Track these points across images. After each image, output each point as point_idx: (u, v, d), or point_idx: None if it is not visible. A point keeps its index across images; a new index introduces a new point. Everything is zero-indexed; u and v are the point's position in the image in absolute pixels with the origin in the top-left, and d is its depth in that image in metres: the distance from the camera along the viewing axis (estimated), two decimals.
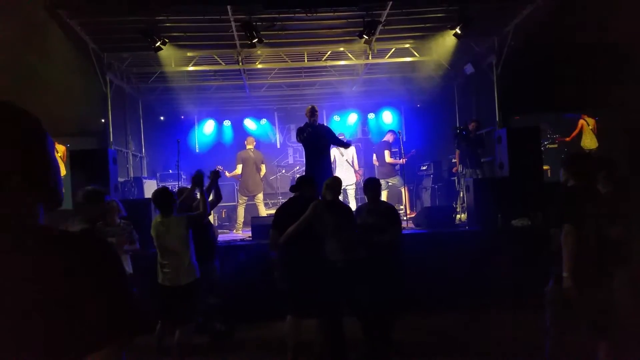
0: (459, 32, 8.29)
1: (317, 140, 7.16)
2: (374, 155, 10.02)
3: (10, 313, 0.89)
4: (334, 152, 9.39)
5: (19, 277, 0.91)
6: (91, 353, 0.93)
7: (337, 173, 8.80)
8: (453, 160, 9.98)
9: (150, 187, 10.36)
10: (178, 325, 4.50)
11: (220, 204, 8.18)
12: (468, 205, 7.70)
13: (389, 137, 9.90)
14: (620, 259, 3.74)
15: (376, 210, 4.98)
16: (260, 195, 9.52)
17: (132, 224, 5.33)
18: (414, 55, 9.95)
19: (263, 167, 9.72)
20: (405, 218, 9.08)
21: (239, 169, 9.35)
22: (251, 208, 9.66)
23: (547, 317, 3.60)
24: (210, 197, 5.38)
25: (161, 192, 4.66)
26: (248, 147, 9.73)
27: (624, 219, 3.74)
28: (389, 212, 5.04)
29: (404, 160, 9.28)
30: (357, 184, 9.76)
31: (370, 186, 5.09)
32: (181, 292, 4.43)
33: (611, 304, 3.39)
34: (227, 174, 9.63)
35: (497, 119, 9.55)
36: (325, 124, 7.90)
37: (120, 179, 9.08)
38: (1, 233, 0.96)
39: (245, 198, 9.44)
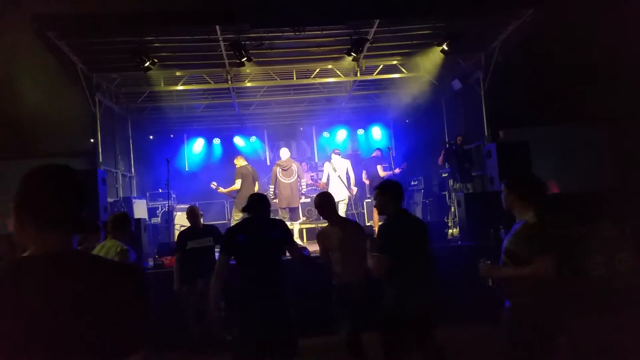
0: (445, 48, 8.39)
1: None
2: (364, 173, 10.00)
3: (62, 324, 1.14)
4: (327, 168, 9.41)
5: (65, 294, 1.17)
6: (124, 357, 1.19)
7: (330, 189, 8.81)
8: (444, 175, 10.02)
9: (139, 207, 10.27)
10: None
11: (209, 222, 8.11)
12: (460, 220, 7.71)
13: (377, 153, 9.95)
14: None
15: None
16: None
17: None
18: (402, 72, 10.04)
19: (256, 185, 9.64)
20: None
21: (237, 184, 9.05)
22: None
23: None
24: None
25: None
26: (244, 163, 9.59)
27: None
28: None
29: (398, 170, 9.36)
30: (350, 198, 9.71)
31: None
32: None
33: None
34: (220, 190, 9.48)
35: (486, 134, 9.63)
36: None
37: (110, 200, 8.98)
38: (49, 259, 1.22)
39: (241, 214, 9.21)
